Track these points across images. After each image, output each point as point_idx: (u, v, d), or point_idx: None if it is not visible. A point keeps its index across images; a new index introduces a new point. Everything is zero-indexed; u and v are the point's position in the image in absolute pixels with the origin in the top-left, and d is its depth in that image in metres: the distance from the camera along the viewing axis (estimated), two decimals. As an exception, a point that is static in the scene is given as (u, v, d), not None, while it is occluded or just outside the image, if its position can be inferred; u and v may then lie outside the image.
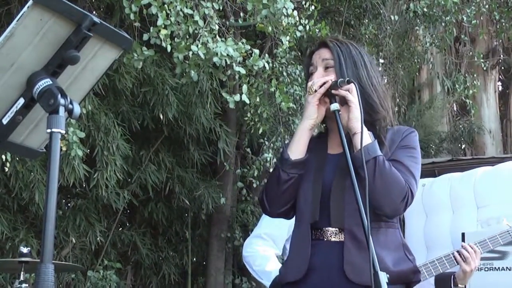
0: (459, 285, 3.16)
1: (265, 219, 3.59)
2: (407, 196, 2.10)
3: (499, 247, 5.31)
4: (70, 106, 1.67)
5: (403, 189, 2.09)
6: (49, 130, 1.64)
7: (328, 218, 2.13)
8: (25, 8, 1.60)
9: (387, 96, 2.27)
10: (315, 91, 2.13)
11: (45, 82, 1.68)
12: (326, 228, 2.14)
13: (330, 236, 2.13)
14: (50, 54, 1.71)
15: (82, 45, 1.72)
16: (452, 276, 3.17)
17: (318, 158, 2.24)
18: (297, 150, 2.16)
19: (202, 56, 5.04)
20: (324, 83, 2.13)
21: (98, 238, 7.24)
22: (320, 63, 2.25)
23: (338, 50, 2.23)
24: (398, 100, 10.51)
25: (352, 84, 2.10)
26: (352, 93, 2.09)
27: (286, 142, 2.29)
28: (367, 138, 2.08)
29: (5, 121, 1.74)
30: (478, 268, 5.41)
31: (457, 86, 10.33)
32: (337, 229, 2.13)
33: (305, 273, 2.12)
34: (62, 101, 1.65)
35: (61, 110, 1.65)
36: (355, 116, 2.07)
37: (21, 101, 1.73)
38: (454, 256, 3.14)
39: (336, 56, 2.22)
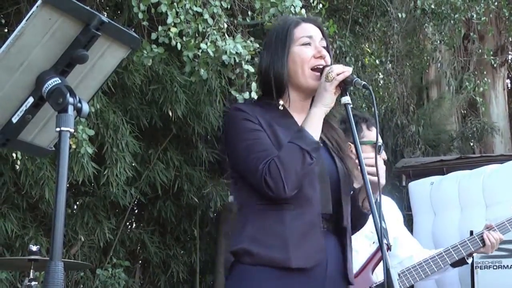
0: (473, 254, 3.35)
1: None
2: None
3: (508, 245, 5.32)
4: (79, 105, 1.69)
5: None
6: (58, 129, 1.65)
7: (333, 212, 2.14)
8: (34, 8, 1.61)
9: None
10: (333, 78, 2.08)
11: (54, 81, 1.69)
12: (326, 220, 2.14)
13: (325, 228, 2.13)
14: (59, 53, 1.73)
15: (91, 44, 1.73)
16: None
17: None
18: (317, 136, 2.10)
19: (212, 54, 5.04)
20: (343, 72, 2.09)
21: (107, 236, 7.27)
22: (319, 42, 2.25)
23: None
24: (406, 98, 10.47)
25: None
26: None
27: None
28: None
29: (15, 119, 1.76)
30: (487, 266, 5.44)
31: (466, 83, 10.30)
32: (332, 223, 2.16)
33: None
34: (71, 100, 1.66)
35: (70, 109, 1.66)
36: None
37: (31, 100, 1.74)
38: (483, 239, 3.30)
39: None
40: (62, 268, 1.60)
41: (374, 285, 3.02)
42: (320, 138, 2.16)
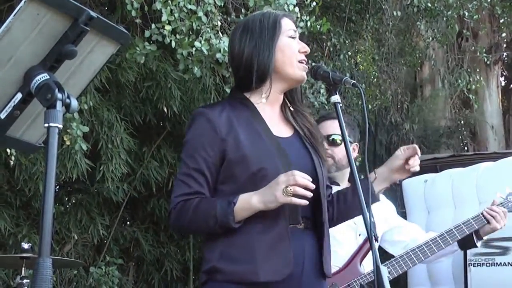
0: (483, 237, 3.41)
1: None
2: None
3: (501, 242, 5.33)
4: (68, 100, 1.68)
5: None
6: (46, 125, 1.65)
7: (306, 210, 2.12)
8: (21, 3, 1.61)
9: None
10: (290, 198, 1.98)
11: (42, 77, 1.69)
12: (305, 218, 2.14)
13: (299, 225, 2.13)
14: (47, 48, 1.72)
15: (79, 39, 1.73)
16: (474, 232, 3.36)
17: (268, 143, 2.13)
18: (239, 219, 2.05)
19: (206, 52, 5.04)
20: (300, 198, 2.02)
21: (101, 233, 7.25)
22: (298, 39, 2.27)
23: None
24: (400, 96, 10.47)
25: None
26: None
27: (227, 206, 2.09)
28: None
29: (3, 115, 1.75)
30: (480, 263, 5.45)
31: (459, 81, 10.31)
32: (308, 220, 2.15)
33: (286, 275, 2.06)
34: (59, 95, 1.65)
35: (59, 104, 1.66)
36: None
37: (19, 95, 1.74)
38: (484, 216, 3.34)
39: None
40: (50, 264, 1.59)
41: (363, 276, 3.04)
42: (293, 127, 2.22)
